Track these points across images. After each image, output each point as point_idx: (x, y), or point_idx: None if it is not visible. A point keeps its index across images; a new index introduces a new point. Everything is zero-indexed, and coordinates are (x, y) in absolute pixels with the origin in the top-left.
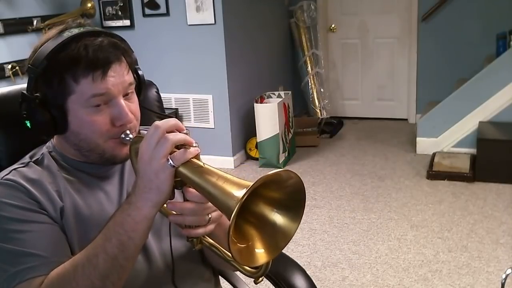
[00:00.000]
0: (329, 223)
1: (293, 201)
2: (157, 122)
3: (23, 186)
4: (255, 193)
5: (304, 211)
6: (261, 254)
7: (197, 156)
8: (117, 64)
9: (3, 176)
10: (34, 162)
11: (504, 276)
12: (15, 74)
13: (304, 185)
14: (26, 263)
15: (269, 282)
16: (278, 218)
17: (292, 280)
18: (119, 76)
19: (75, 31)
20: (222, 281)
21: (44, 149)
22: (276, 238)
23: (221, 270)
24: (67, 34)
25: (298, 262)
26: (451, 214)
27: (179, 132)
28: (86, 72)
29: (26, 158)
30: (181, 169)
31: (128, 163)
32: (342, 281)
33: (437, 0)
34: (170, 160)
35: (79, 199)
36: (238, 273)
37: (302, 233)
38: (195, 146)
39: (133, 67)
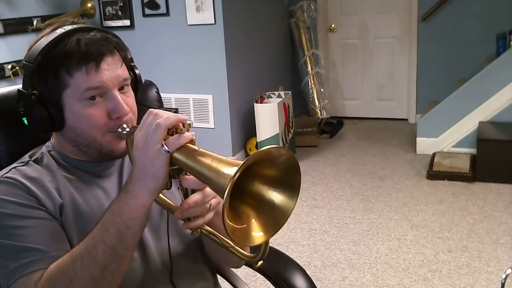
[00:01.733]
0: (329, 223)
1: (289, 177)
2: (151, 110)
3: (23, 184)
4: (251, 173)
5: (305, 212)
6: (259, 234)
7: (192, 142)
8: (110, 57)
9: (3, 174)
10: (33, 161)
11: (504, 276)
12: (15, 74)
13: (302, 181)
14: (25, 258)
15: (269, 282)
16: (275, 196)
17: (292, 280)
18: (113, 69)
19: (68, 28)
20: (222, 281)
21: (43, 149)
22: (275, 216)
23: (220, 269)
24: (60, 31)
25: (298, 262)
26: (451, 214)
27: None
28: (79, 65)
29: (26, 157)
30: (176, 154)
31: (126, 162)
32: (342, 281)
33: (437, 0)
34: (165, 146)
35: (78, 197)
36: (238, 272)
37: (302, 233)
38: (189, 124)
39: (128, 62)
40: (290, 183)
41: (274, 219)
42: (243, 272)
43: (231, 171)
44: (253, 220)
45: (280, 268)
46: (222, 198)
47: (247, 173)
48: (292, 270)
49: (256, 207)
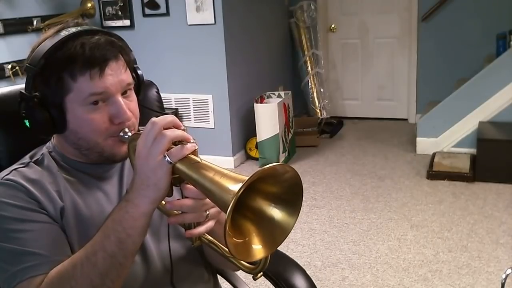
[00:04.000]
0: (329, 223)
1: (291, 194)
2: (154, 119)
3: (23, 186)
4: (253, 188)
5: (305, 212)
6: (258, 249)
7: (194, 152)
8: (114, 62)
9: (3, 176)
10: (34, 162)
11: (504, 276)
12: (15, 74)
13: (302, 181)
14: (26, 262)
15: (269, 282)
16: (276, 212)
17: (292, 280)
18: (116, 74)
19: (73, 30)
20: (222, 281)
21: (44, 149)
22: (274, 233)
23: (221, 270)
24: (64, 33)
25: (298, 262)
26: (451, 214)
27: (176, 129)
28: (83, 70)
29: (26, 158)
30: (178, 165)
31: (127, 164)
32: (342, 281)
33: (437, 0)
34: (167, 156)
35: (79, 200)
36: (238, 273)
37: (302, 233)
38: (193, 142)
39: (132, 65)
40: (292, 201)
41: (273, 235)
42: (243, 272)
43: (234, 187)
44: (253, 235)
45: (280, 268)
46: (224, 212)
47: (249, 188)
48: (292, 270)
49: (256, 222)
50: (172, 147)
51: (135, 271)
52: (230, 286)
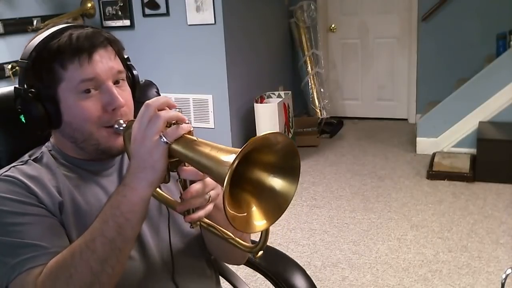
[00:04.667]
0: (329, 223)
1: (288, 162)
2: (148, 101)
3: (22, 182)
4: (250, 160)
5: (305, 212)
6: (261, 221)
7: (190, 133)
8: (103, 49)
9: (2, 173)
10: (33, 160)
11: (504, 276)
12: (15, 74)
13: (302, 180)
14: (25, 254)
15: (269, 282)
16: (276, 182)
17: (292, 280)
18: (106, 61)
19: (62, 26)
20: (222, 281)
21: (43, 148)
22: (277, 202)
23: (220, 269)
24: (53, 29)
25: (298, 262)
26: (451, 214)
27: (170, 110)
28: (72, 57)
29: (25, 157)
30: (174, 145)
31: (126, 161)
32: (342, 281)
33: (437, 0)
34: (163, 137)
35: (78, 195)
36: (238, 272)
37: (302, 233)
38: (188, 123)
39: (122, 57)
40: (290, 168)
41: (276, 205)
42: (243, 272)
43: (230, 158)
44: (254, 208)
45: (280, 268)
46: (222, 186)
47: (246, 161)
48: (292, 270)
49: (257, 194)
50: (167, 128)
51: (135, 267)
52: (230, 286)
